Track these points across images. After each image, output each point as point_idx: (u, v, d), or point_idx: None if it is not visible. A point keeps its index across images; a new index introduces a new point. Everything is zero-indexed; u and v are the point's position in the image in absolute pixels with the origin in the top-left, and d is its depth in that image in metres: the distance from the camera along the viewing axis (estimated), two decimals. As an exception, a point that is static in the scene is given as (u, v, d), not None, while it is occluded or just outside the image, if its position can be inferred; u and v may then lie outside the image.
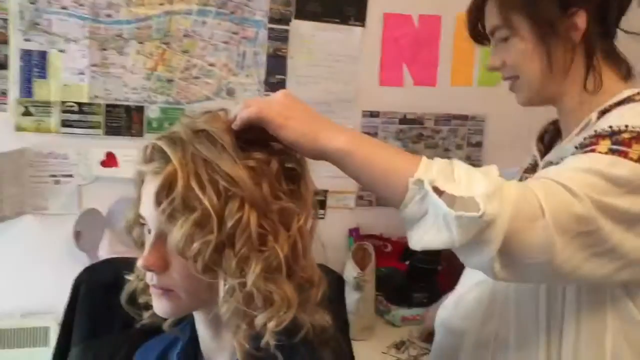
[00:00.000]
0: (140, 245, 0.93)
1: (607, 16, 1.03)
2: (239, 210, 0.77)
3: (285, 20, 1.90)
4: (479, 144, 2.12)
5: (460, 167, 0.82)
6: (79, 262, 1.73)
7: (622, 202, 0.86)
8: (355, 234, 2.04)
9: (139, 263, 0.82)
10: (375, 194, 0.90)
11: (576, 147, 0.97)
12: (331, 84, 1.97)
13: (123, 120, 1.82)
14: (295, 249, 0.83)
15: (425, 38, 2.02)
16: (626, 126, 0.91)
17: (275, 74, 1.92)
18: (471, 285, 1.15)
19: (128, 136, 1.84)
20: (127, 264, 1.17)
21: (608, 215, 0.85)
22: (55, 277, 1.50)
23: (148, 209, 0.82)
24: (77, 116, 1.78)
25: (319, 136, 0.83)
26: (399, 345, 1.72)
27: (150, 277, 0.83)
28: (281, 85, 1.92)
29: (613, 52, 1.05)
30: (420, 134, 2.07)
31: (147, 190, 0.82)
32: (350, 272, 1.74)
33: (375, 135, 2.03)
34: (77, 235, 1.79)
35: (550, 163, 1.03)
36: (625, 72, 1.05)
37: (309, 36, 1.93)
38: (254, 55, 1.89)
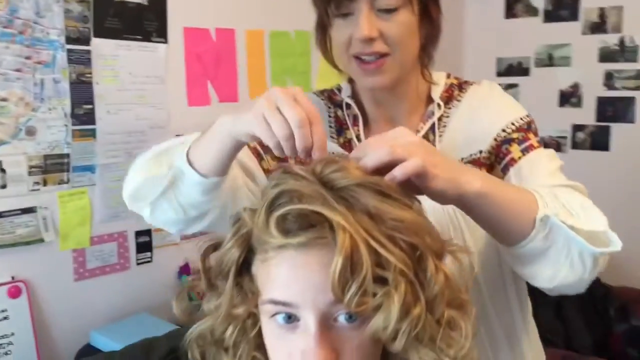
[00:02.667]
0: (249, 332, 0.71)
1: None
2: (437, 268, 0.67)
3: (85, 40, 1.59)
4: (279, 155, 2.13)
5: (567, 198, 0.84)
6: None
7: None
8: (185, 270, 1.85)
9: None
10: (495, 232, 0.84)
11: (495, 139, 0.99)
12: (142, 109, 1.73)
13: None
14: None
15: (224, 53, 1.93)
16: (527, 116, 1.01)
17: (82, 103, 1.60)
18: None
19: None
20: None
21: None
22: None
23: (308, 294, 0.64)
24: None
25: (460, 181, 0.75)
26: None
27: None
28: (90, 116, 1.61)
29: None
30: (230, 152, 1.97)
31: (294, 268, 0.64)
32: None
33: (190, 160, 1.86)
34: None
35: None
36: None
37: (113, 57, 1.65)
38: (54, 83, 1.54)
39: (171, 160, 0.92)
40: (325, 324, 0.64)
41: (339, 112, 1.09)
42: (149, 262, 1.79)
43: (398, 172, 0.69)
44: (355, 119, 1.07)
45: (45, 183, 1.55)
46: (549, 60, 2.71)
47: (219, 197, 0.94)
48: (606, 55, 2.58)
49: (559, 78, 2.68)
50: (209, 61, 1.89)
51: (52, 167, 1.56)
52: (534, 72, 2.76)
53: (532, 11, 2.74)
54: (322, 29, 1.01)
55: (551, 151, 1.00)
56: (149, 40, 1.73)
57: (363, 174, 0.68)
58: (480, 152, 1.01)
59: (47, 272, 1.57)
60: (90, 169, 1.63)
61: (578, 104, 2.65)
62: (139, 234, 1.76)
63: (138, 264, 1.77)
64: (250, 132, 0.78)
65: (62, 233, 1.59)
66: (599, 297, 2.36)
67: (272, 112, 0.73)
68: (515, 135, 0.99)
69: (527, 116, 1.02)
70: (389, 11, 0.93)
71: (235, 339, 0.70)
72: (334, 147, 1.05)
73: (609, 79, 2.58)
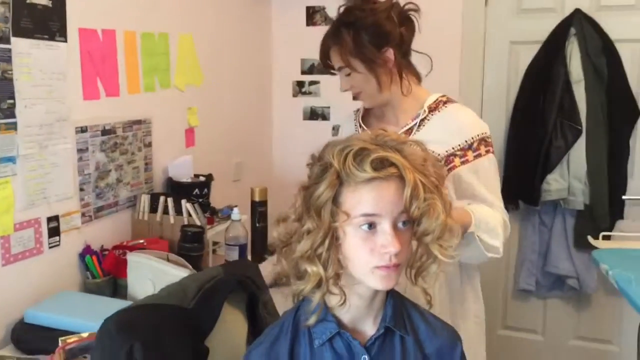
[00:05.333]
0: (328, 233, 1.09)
1: (404, 46, 1.71)
2: (446, 192, 1.14)
3: (6, 39, 1.69)
4: (150, 144, 2.37)
5: (488, 220, 1.53)
6: None
7: None
8: (87, 252, 2.02)
9: (391, 249, 1.05)
10: None
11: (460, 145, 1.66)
12: (50, 103, 1.86)
13: None
14: None
15: (108, 51, 2.12)
16: (484, 133, 1.70)
17: (6, 98, 1.70)
18: None
19: None
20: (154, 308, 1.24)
21: None
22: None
23: (387, 207, 1.06)
24: None
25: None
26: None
27: (389, 259, 1.07)
28: (12, 111, 1.72)
29: (410, 65, 1.75)
30: (115, 142, 2.16)
31: (380, 191, 1.06)
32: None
33: (86, 150, 2.03)
34: None
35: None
36: (418, 77, 1.77)
37: (27, 54, 1.77)
38: (-17, 79, 1.63)
39: None
40: (394, 226, 1.07)
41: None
42: (57, 245, 1.93)
43: None
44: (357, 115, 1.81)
45: (-23, 174, 1.63)
46: (343, 62, 3.32)
47: None
48: (386, 60, 3.29)
49: (352, 77, 3.32)
50: (97, 59, 2.06)
51: (-17, 159, 1.64)
52: (332, 71, 3.35)
53: (328, 20, 3.32)
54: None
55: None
56: (54, 40, 1.86)
57: (400, 136, 1.12)
58: (459, 145, 1.65)
59: (-19, 259, 1.66)
60: (12, 159, 1.74)
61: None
62: (49, 220, 1.89)
63: (50, 247, 1.90)
64: None
65: (-9, 221, 1.68)
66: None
67: None
68: (472, 145, 1.67)
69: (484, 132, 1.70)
70: (347, 74, 1.63)
71: (328, 247, 1.08)
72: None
73: (389, 79, 3.29)
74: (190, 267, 1.84)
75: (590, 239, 2.46)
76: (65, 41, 1.92)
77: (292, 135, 3.47)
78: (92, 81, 2.05)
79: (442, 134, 1.64)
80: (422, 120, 1.67)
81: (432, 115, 1.68)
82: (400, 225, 1.08)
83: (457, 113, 1.71)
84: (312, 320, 1.15)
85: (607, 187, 2.92)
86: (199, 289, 1.31)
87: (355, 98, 1.72)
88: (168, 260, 1.82)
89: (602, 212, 2.92)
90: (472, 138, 1.66)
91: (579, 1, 2.97)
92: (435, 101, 1.71)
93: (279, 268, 1.16)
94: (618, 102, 2.93)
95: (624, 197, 2.96)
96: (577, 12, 2.94)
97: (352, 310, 1.16)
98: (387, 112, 1.75)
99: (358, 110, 1.85)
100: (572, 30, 2.95)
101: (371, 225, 1.07)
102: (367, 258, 1.08)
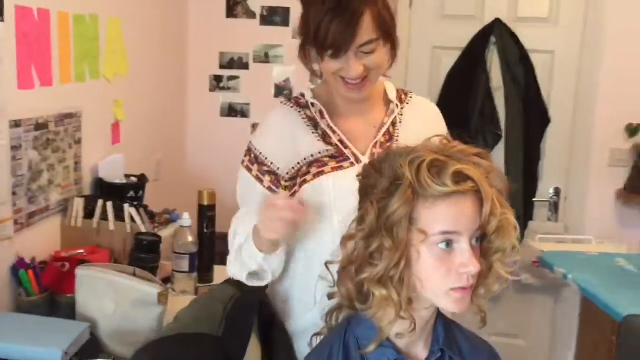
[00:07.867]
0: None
1: None
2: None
3: (-58, 13, 1.40)
4: (80, 140, 2.10)
5: None
6: None
7: None
8: (21, 265, 1.74)
9: (472, 269, 0.98)
10: None
11: None
12: (-15, 93, 1.58)
13: None
14: None
15: (43, 35, 1.84)
16: None
17: (-59, 85, 1.40)
18: None
19: None
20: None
21: None
22: None
23: (466, 224, 0.99)
24: None
25: None
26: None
27: (467, 279, 1.00)
28: (-53, 100, 1.42)
29: None
30: (47, 139, 1.89)
31: (460, 207, 0.99)
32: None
33: (20, 147, 1.74)
34: None
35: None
36: None
37: (-37, 34, 1.48)
38: None
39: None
40: (470, 244, 1.00)
41: (308, 112, 1.39)
42: (-12, 258, 1.65)
43: None
44: (321, 113, 1.38)
45: None
46: (265, 57, 3.19)
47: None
48: (309, 58, 3.21)
49: (274, 73, 3.20)
50: (32, 43, 1.78)
51: None
52: (252, 66, 3.20)
53: (250, 14, 3.18)
54: (305, 46, 1.31)
55: None
56: (-9, 18, 1.58)
57: (467, 148, 1.05)
58: None
59: None
60: (-56, 159, 1.44)
61: (289, 95, 3.21)
62: (-20, 229, 1.61)
63: (-21, 262, 1.61)
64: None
65: None
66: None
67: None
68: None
69: None
70: (368, 53, 1.26)
71: (403, 267, 0.99)
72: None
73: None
74: (161, 282, 1.64)
75: (530, 241, 2.56)
76: (2, 20, 1.63)
77: (208, 132, 3.27)
78: (27, 68, 1.76)
79: (424, 129, 1.26)
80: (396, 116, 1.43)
81: (402, 109, 1.44)
82: (473, 242, 1.02)
83: (427, 104, 1.53)
84: (371, 347, 1.06)
85: (523, 190, 3.08)
86: (223, 311, 1.17)
87: (358, 87, 1.31)
88: (135, 275, 1.61)
89: (518, 214, 3.07)
90: (446, 132, 1.47)
91: (498, 11, 3.09)
92: (397, 92, 1.46)
93: (343, 290, 1.05)
94: (532, 109, 3.10)
95: (534, 199, 3.16)
96: (497, 21, 3.06)
97: (410, 334, 1.08)
98: (362, 103, 1.39)
99: (301, 97, 1.43)
100: (492, 39, 3.06)
101: (448, 244, 1.00)
102: (443, 279, 1.01)
